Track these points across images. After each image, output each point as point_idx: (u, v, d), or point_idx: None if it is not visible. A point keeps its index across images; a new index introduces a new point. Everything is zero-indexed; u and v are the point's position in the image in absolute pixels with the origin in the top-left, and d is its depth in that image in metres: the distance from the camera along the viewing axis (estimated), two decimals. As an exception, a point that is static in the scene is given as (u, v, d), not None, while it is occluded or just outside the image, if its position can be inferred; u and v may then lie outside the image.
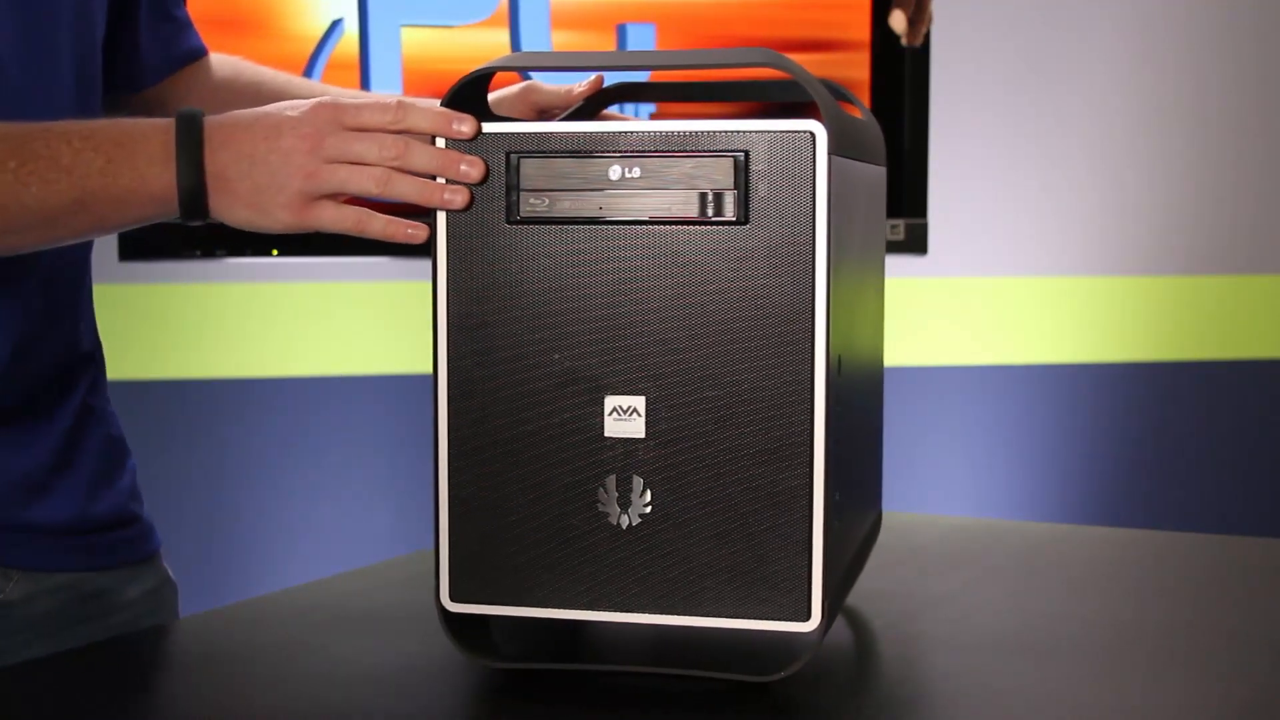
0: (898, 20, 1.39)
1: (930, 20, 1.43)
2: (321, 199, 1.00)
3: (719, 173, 0.95)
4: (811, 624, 0.96)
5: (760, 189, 0.94)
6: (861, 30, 2.78)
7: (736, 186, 0.94)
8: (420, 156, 0.99)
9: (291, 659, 1.11)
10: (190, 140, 1.00)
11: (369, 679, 1.05)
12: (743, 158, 0.94)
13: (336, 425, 2.94)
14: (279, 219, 1.00)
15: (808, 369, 0.95)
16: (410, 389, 2.88)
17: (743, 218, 0.95)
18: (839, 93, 1.13)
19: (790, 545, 0.96)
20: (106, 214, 1.03)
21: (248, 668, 1.11)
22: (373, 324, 2.92)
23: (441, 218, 0.99)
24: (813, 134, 0.93)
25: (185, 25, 1.36)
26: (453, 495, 1.00)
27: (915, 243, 2.87)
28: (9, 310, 1.16)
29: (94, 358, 1.29)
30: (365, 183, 0.99)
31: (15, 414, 1.20)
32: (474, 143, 0.98)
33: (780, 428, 0.95)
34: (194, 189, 1.01)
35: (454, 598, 1.01)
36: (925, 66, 2.84)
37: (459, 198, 0.98)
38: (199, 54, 1.37)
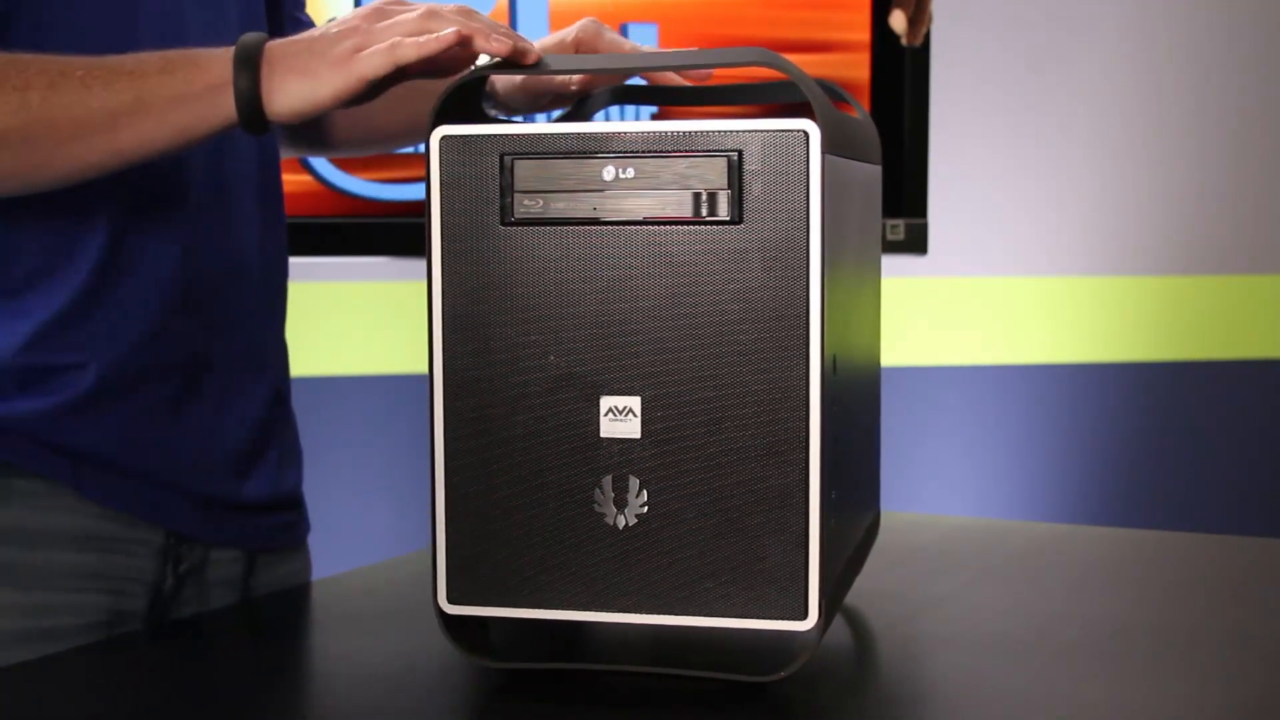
0: (898, 20, 1.39)
1: (930, 20, 1.43)
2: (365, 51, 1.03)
3: (713, 172, 0.94)
4: (809, 623, 0.96)
5: (754, 188, 0.94)
6: (861, 30, 2.78)
7: (730, 186, 0.94)
8: (481, 40, 1.03)
9: (292, 659, 1.11)
10: (250, 43, 1.04)
11: (369, 679, 1.05)
12: (736, 157, 0.94)
13: (337, 425, 2.94)
14: (328, 81, 1.02)
15: (802, 368, 0.95)
16: (410, 389, 2.88)
17: (737, 217, 0.95)
18: (834, 93, 1.13)
19: (787, 544, 0.96)
20: (165, 112, 1.04)
21: (248, 667, 1.11)
22: (373, 324, 2.92)
23: (436, 220, 0.99)
24: (806, 133, 0.93)
25: (309, 27, 1.42)
26: (449, 497, 1.00)
27: (915, 243, 2.87)
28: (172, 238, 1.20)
29: (283, 344, 1.35)
30: (411, 28, 1.02)
31: (235, 366, 1.25)
32: (468, 146, 0.98)
33: (776, 427, 0.95)
34: (251, 63, 1.03)
35: (451, 599, 1.00)
36: (925, 66, 2.84)
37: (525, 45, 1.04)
38: None
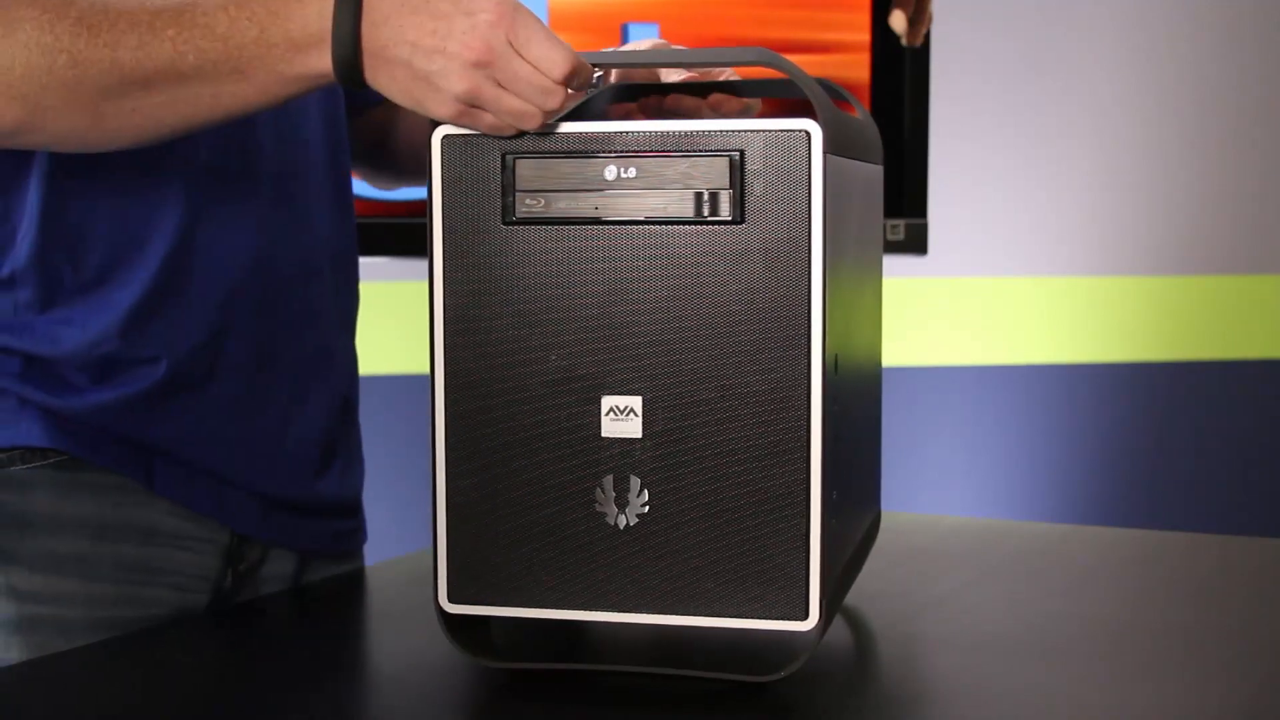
0: (898, 20, 1.39)
1: (930, 20, 1.42)
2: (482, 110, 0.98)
3: (715, 172, 0.95)
4: (809, 623, 0.96)
5: (756, 188, 0.94)
6: (861, 30, 2.78)
7: (732, 186, 0.94)
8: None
9: (292, 658, 1.11)
10: (346, 16, 0.98)
11: (369, 679, 1.05)
12: (738, 157, 0.94)
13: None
14: (436, 113, 0.98)
15: (804, 368, 0.95)
16: (410, 389, 2.88)
17: (738, 217, 0.95)
18: (835, 92, 1.13)
19: (787, 544, 0.96)
20: (268, 84, 1.02)
21: (248, 667, 1.11)
22: (373, 324, 2.91)
23: (437, 219, 0.99)
24: (808, 133, 0.93)
25: None
26: (450, 496, 1.00)
27: (915, 243, 2.86)
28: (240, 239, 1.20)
29: (352, 339, 1.34)
30: (529, 125, 0.97)
31: (305, 368, 1.25)
32: (469, 145, 0.98)
33: (777, 427, 0.95)
34: (350, 65, 0.99)
35: (452, 599, 1.00)
36: (925, 66, 2.84)
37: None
38: None
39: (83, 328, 1.15)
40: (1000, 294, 3.23)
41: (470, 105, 0.97)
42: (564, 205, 0.97)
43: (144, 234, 1.16)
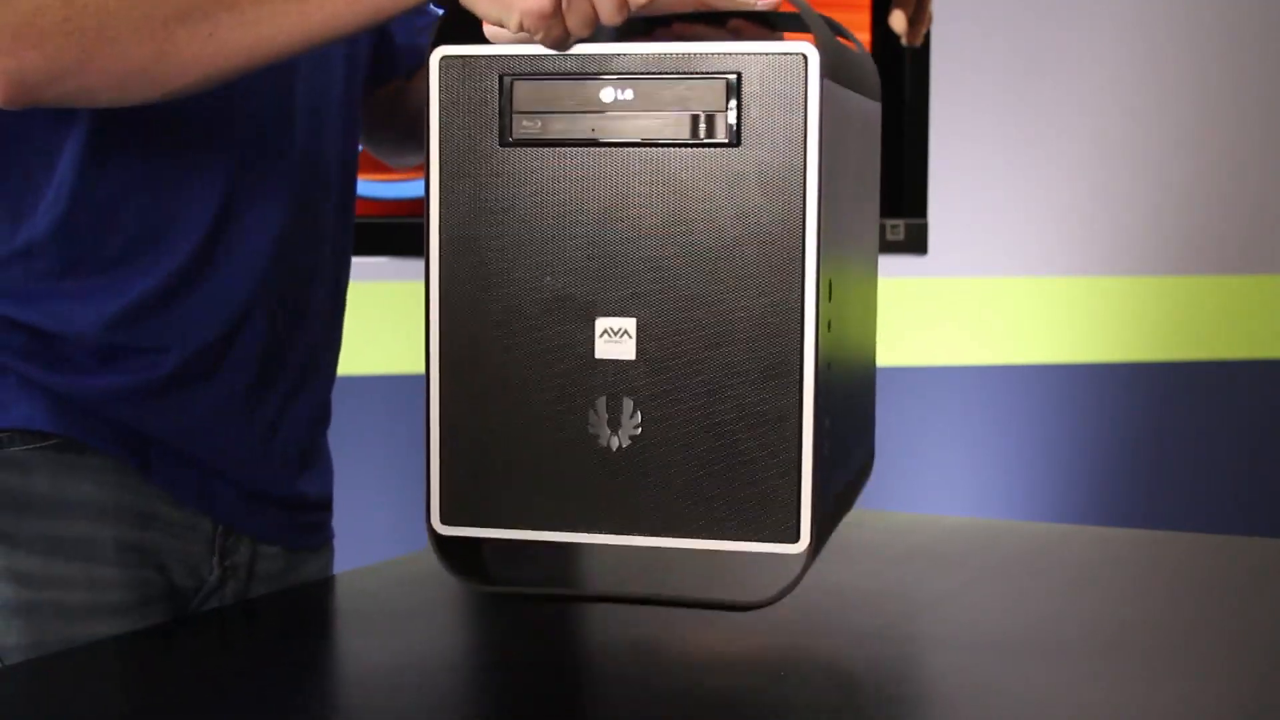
0: (898, 20, 1.38)
1: (930, 20, 1.42)
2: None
3: (711, 95, 0.94)
4: (800, 545, 0.95)
5: (752, 111, 0.94)
6: (861, 30, 2.78)
7: (728, 108, 0.94)
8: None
9: (292, 658, 1.11)
10: None
11: (369, 679, 1.04)
12: (735, 80, 0.94)
13: (337, 425, 2.93)
14: (513, 19, 0.93)
15: (798, 291, 0.94)
16: (410, 389, 2.87)
17: (734, 140, 0.94)
18: (838, 30, 1.12)
19: (779, 466, 0.95)
20: (338, 7, 0.99)
21: (247, 667, 1.11)
22: (373, 324, 2.91)
23: (435, 141, 0.98)
24: (805, 56, 0.93)
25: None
26: (443, 418, 1.00)
27: (915, 243, 2.87)
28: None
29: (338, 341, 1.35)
30: (616, 17, 0.93)
31: (303, 364, 1.26)
32: (467, 67, 0.97)
33: (770, 350, 0.95)
34: None
35: (444, 521, 1.00)
36: (925, 66, 2.84)
37: None
38: None
39: (98, 308, 1.14)
40: (1000, 294, 3.23)
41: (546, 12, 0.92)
42: (560, 127, 0.96)
43: (177, 219, 1.15)
